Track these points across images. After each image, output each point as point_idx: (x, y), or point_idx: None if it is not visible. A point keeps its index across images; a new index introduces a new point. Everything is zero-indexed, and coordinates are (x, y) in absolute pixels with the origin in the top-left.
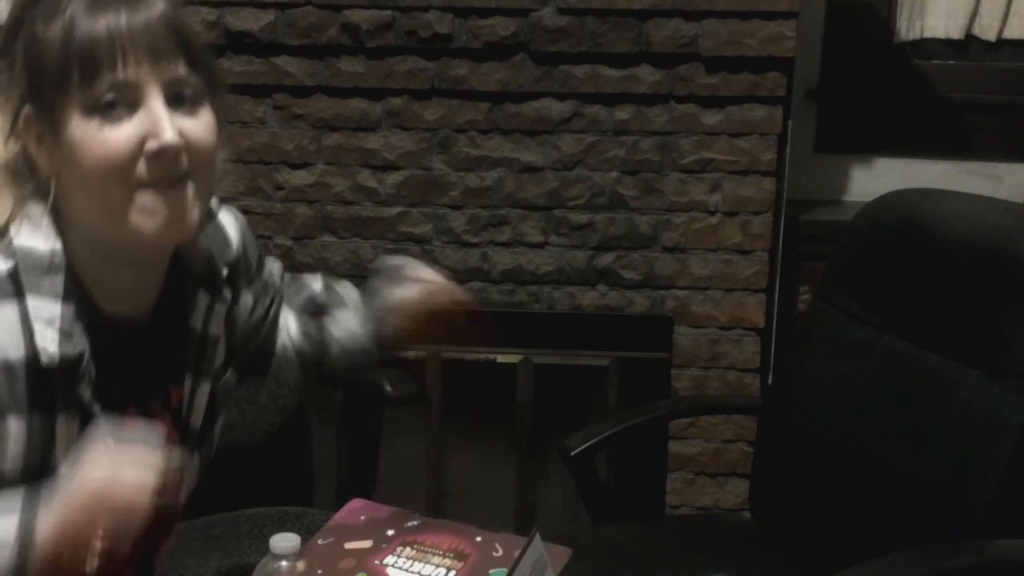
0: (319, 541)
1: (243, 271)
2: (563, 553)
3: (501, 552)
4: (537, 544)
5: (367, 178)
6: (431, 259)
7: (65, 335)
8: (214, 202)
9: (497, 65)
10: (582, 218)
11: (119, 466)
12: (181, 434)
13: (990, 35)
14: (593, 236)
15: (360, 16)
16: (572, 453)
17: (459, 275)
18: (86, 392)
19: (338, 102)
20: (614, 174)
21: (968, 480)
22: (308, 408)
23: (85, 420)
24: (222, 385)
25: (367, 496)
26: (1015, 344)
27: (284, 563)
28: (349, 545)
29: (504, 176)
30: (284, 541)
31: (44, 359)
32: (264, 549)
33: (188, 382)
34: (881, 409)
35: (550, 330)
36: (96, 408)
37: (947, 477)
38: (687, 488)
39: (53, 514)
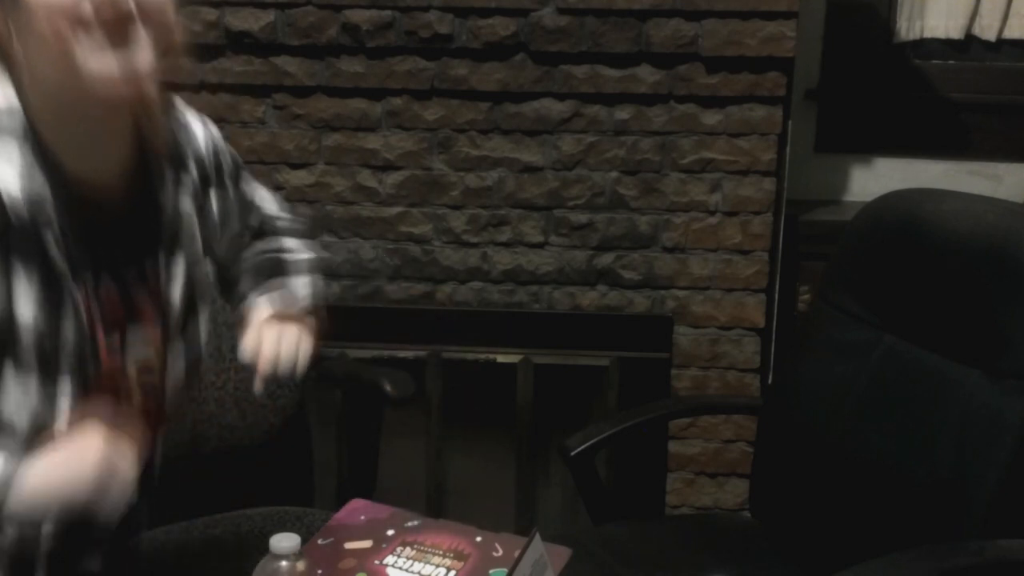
0: (319, 541)
1: (211, 172)
2: (563, 553)
3: (501, 552)
4: (537, 544)
5: (367, 178)
6: (431, 259)
7: (25, 176)
8: (190, 114)
9: (497, 65)
10: (582, 218)
11: (112, 452)
12: (160, 311)
13: (990, 35)
14: (593, 236)
15: (360, 16)
16: (572, 453)
17: (459, 275)
18: (52, 247)
19: (338, 102)
20: (614, 174)
21: (968, 480)
22: (308, 408)
23: (53, 282)
24: (202, 274)
25: (367, 496)
26: (1015, 344)
27: (284, 563)
28: (349, 545)
29: (504, 176)
30: (284, 541)
31: (5, 199)
32: (264, 549)
33: (162, 256)
34: (881, 409)
35: (550, 330)
36: (66, 269)
37: (947, 477)
38: (687, 488)
39: (43, 466)
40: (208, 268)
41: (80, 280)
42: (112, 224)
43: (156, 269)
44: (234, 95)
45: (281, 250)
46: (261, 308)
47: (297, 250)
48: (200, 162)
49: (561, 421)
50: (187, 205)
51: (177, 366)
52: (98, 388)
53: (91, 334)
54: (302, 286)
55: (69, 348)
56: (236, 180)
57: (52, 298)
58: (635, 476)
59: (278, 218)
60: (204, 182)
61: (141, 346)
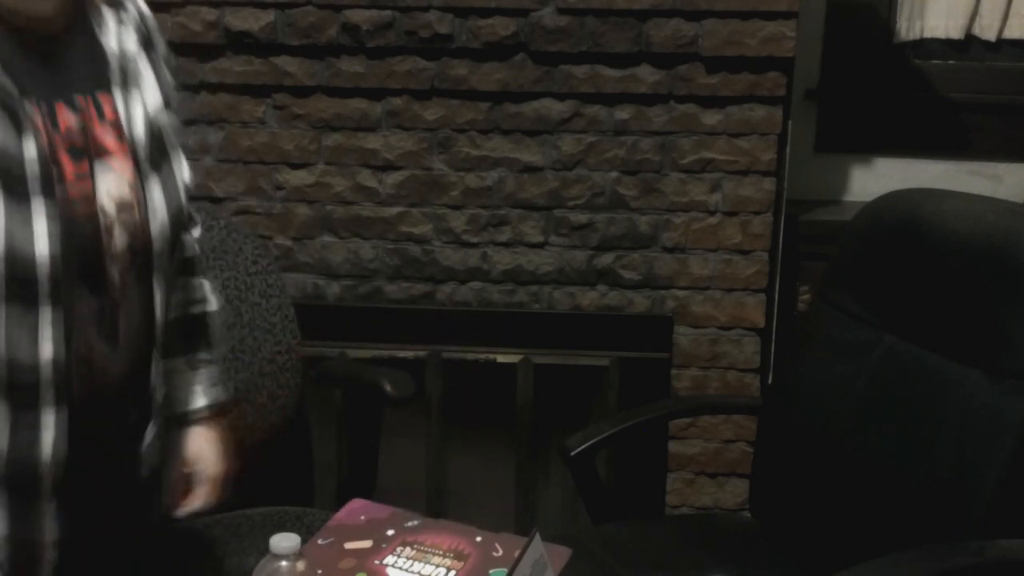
0: (319, 541)
1: (154, 37)
2: (563, 553)
3: (501, 552)
4: (537, 544)
5: (367, 178)
6: (431, 259)
7: None
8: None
9: (497, 65)
10: (582, 218)
11: None
12: (127, 145)
13: (990, 35)
14: (593, 236)
15: (360, 16)
16: (572, 453)
17: (459, 275)
18: None
19: (338, 102)
20: (614, 174)
21: (968, 480)
22: (308, 408)
23: (5, 102)
24: (166, 124)
25: (367, 496)
26: (1015, 344)
27: (284, 563)
28: (349, 545)
29: (504, 176)
30: (284, 541)
31: None
32: (264, 549)
33: (117, 93)
34: (881, 409)
35: (550, 330)
36: (13, 89)
37: (947, 477)
38: (687, 488)
39: None
40: (172, 120)
41: (33, 104)
42: (57, 57)
43: (112, 103)
44: (234, 95)
45: (205, 302)
46: (197, 406)
47: (210, 301)
48: (142, 17)
49: (561, 421)
50: (132, 46)
51: (158, 207)
52: (72, 216)
53: (53, 157)
54: (219, 371)
55: (34, 168)
56: (172, 71)
57: (8, 117)
58: (635, 476)
59: (189, 220)
60: (149, 32)
61: (113, 180)
